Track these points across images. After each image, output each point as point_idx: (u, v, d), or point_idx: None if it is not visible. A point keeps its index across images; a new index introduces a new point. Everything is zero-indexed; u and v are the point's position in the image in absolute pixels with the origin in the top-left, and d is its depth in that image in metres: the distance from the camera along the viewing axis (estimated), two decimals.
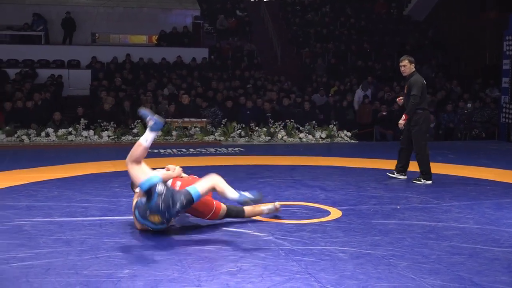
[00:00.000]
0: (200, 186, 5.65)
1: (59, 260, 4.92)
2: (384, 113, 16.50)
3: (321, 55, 22.24)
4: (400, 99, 9.34)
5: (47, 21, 21.97)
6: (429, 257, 5.08)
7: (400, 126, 8.96)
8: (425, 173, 8.88)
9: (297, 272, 4.67)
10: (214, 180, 5.72)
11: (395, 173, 9.15)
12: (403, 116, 8.89)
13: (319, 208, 7.05)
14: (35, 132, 14.15)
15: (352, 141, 15.12)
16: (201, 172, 9.54)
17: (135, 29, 23.96)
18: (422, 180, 8.83)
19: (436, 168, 10.22)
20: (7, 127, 14.17)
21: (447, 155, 12.07)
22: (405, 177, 9.09)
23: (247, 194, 5.65)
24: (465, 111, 17.00)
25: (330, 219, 6.49)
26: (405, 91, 8.99)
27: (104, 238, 5.61)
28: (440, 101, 17.97)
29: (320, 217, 6.55)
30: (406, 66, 9.00)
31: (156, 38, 23.41)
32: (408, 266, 4.83)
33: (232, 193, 5.64)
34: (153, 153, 11.85)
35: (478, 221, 6.45)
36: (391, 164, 10.55)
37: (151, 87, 17.88)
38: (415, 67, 9.10)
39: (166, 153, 12.17)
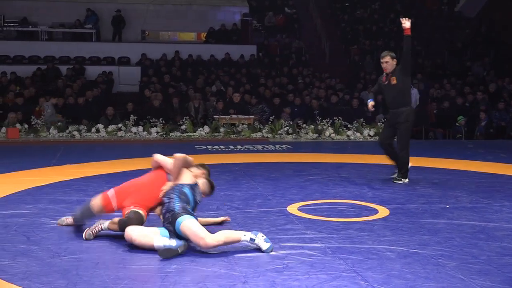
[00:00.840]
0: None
1: (108, 254, 5.00)
2: (434, 111, 16.27)
3: (370, 52, 22.05)
4: (371, 105, 8.81)
5: (99, 18, 22.35)
6: (478, 257, 4.99)
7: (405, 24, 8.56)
8: (405, 171, 8.55)
9: (344, 270, 4.65)
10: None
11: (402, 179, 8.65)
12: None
13: (367, 206, 7.00)
14: (85, 128, 14.40)
15: None
16: (248, 168, 9.61)
17: (184, 26, 24.16)
18: (403, 180, 8.50)
19: (487, 167, 10.06)
20: (59, 123, 14.45)
21: (498, 154, 11.83)
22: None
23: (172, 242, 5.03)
24: None
25: (377, 217, 6.43)
26: (394, 82, 8.42)
27: None
28: (491, 99, 17.62)
29: (368, 216, 6.50)
30: (389, 62, 8.50)
31: (204, 35, 23.56)
32: (457, 266, 4.76)
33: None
34: (201, 149, 11.94)
35: None
36: (440, 163, 10.44)
37: (200, 84, 18.01)
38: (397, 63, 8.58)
39: (214, 149, 12.23)
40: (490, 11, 25.14)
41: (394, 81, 8.43)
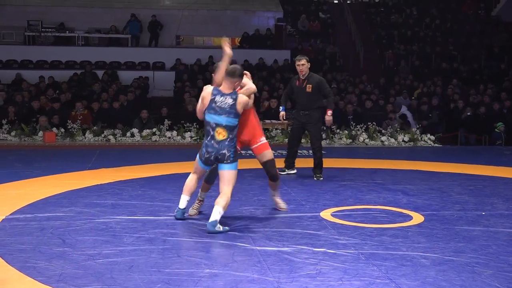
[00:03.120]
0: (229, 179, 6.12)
1: (142, 257, 5.04)
2: (469, 114, 16.06)
3: (404, 57, 21.90)
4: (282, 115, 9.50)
5: (142, 24, 22.59)
6: None
7: (328, 122, 9.25)
8: (322, 168, 9.26)
9: (378, 277, 4.62)
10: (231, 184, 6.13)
11: (286, 170, 9.40)
12: (328, 111, 9.14)
13: (401, 212, 6.94)
14: (120, 132, 14.54)
15: (436, 145, 14.80)
16: (282, 173, 9.59)
17: (218, 31, 24.25)
18: (322, 177, 9.13)
19: None
20: (95, 127, 14.62)
21: None
22: (295, 171, 9.41)
23: (220, 227, 5.91)
24: None
25: (412, 224, 6.38)
26: (309, 90, 9.04)
27: (185, 237, 5.71)
28: None
29: (402, 222, 6.45)
30: (305, 65, 9.02)
31: (238, 40, 23.64)
32: (493, 274, 4.69)
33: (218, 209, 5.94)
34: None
35: None
36: (476, 169, 10.30)
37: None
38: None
39: (247, 154, 12.22)
40: None
41: (309, 89, 9.03)
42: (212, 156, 6.14)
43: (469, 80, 19.92)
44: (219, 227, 5.86)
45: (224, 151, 6.08)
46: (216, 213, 5.87)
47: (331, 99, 9.23)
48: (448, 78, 19.66)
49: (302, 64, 9.03)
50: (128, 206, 7.08)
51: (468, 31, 23.95)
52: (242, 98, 6.20)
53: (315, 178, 9.13)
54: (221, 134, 6.12)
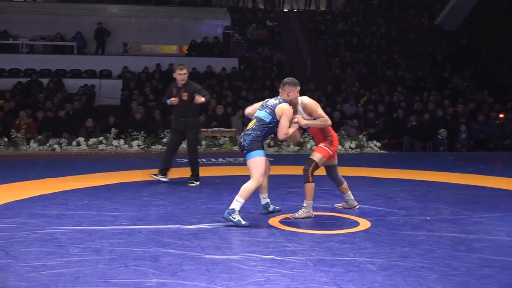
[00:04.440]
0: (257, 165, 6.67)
1: (88, 268, 4.96)
2: (414, 123, 16.37)
3: (351, 65, 22.18)
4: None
5: (86, 42, 22.35)
6: (458, 269, 5.02)
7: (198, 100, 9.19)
8: (197, 174, 9.42)
9: (325, 283, 4.65)
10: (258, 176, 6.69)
11: (160, 176, 9.48)
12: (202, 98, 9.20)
13: (348, 218, 7.02)
14: (66, 141, 14.31)
15: (382, 151, 15.03)
16: (230, 181, 9.60)
17: (166, 39, 24.18)
18: (195, 183, 9.30)
19: (467, 179, 10.12)
20: (39, 136, 14.36)
21: (478, 165, 11.92)
22: (167, 179, 9.48)
23: (235, 217, 6.46)
24: (497, 122, 16.80)
25: (358, 229, 6.45)
26: (185, 98, 9.28)
27: (132, 247, 5.65)
28: (471, 111, 17.82)
29: (349, 228, 6.52)
30: (186, 74, 9.48)
31: (186, 48, 23.58)
32: (437, 278, 4.78)
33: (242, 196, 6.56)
34: (182, 163, 11.88)
35: (510, 233, 6.36)
36: (421, 175, 10.49)
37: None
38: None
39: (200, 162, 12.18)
40: (469, 25, 25.42)
41: (185, 97, 9.29)
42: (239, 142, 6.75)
43: (414, 88, 20.31)
44: (235, 217, 6.43)
45: (241, 139, 6.68)
46: (234, 202, 6.49)
47: (205, 92, 9.35)
48: (394, 86, 20.00)
49: (184, 73, 9.41)
50: (73, 216, 6.97)
51: (412, 39, 24.42)
52: (283, 105, 6.68)
53: (188, 185, 9.24)
54: (251, 124, 6.74)
